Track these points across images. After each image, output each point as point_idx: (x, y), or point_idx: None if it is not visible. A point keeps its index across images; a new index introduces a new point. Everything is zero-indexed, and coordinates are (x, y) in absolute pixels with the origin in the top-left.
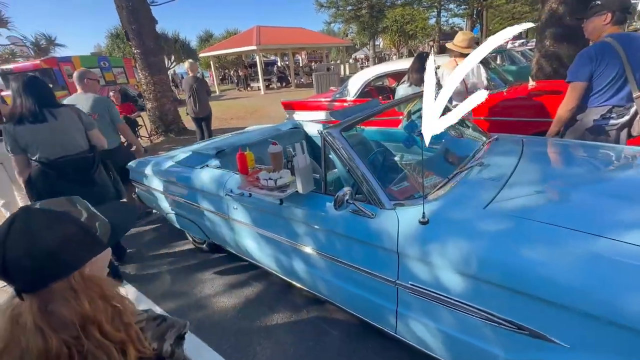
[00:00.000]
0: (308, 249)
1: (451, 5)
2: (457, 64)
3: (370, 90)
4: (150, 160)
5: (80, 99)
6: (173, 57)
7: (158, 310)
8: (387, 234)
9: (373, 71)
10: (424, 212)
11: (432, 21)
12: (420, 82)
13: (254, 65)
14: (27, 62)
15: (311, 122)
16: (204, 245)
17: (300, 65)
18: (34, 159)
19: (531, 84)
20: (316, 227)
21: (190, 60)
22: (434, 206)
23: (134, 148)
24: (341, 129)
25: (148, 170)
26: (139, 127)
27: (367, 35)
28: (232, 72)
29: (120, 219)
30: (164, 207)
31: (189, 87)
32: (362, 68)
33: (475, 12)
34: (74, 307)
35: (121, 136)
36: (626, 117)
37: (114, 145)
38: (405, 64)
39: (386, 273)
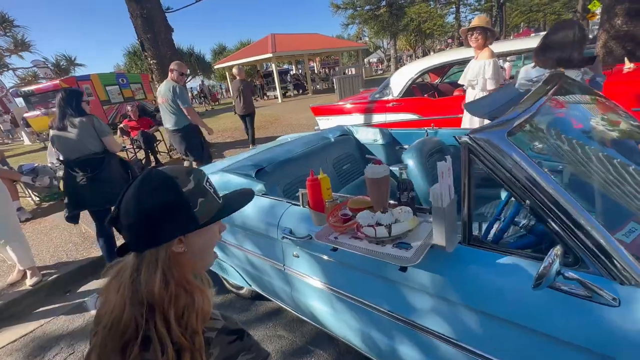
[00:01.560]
0: (441, 338)
1: (470, 0)
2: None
3: (413, 89)
4: None
5: (163, 84)
6: (188, 71)
7: None
8: None
9: (417, 67)
10: None
11: (450, 18)
12: (548, 63)
13: (269, 74)
14: (48, 82)
15: (363, 126)
16: (243, 292)
17: (315, 71)
18: (61, 159)
19: (628, 66)
20: (465, 306)
21: (239, 65)
22: None
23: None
24: (508, 133)
25: None
26: (157, 142)
27: (387, 34)
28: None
29: (229, 201)
30: None
31: (236, 88)
32: (377, 72)
33: (497, 5)
34: (147, 281)
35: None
36: None
37: (182, 125)
38: (448, 56)
39: None
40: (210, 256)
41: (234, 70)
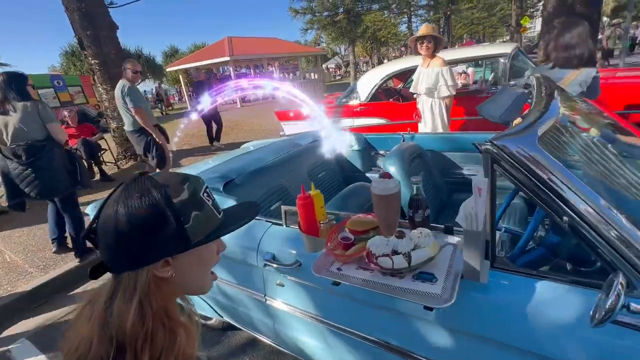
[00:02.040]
0: None
1: (421, 11)
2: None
3: (378, 93)
4: None
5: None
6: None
7: None
8: None
9: (383, 72)
10: None
11: (402, 27)
12: (573, 62)
13: (226, 78)
14: None
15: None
16: (212, 322)
17: (275, 76)
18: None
19: None
20: (500, 344)
21: (196, 67)
22: None
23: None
24: (538, 139)
25: None
26: (102, 152)
27: (346, 41)
28: None
29: (231, 215)
30: None
31: (196, 89)
32: (335, 77)
33: (444, 17)
34: (119, 313)
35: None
36: None
37: (139, 125)
38: (412, 62)
39: None
40: (206, 280)
41: (192, 72)
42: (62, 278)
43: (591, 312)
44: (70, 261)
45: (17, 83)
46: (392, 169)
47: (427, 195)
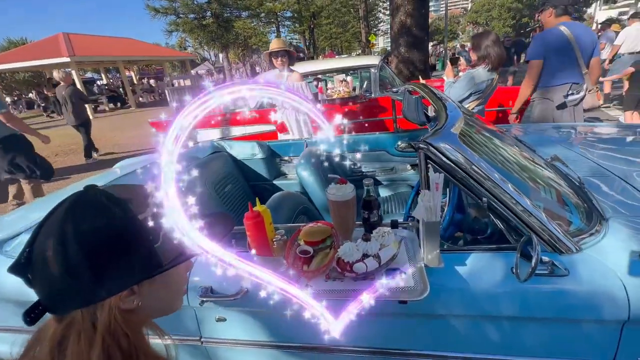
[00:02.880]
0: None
1: (288, 22)
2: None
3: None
4: None
5: None
6: None
7: None
8: (603, 293)
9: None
10: None
11: (272, 36)
12: (500, 64)
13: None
14: None
15: (236, 141)
16: None
17: (135, 82)
18: None
19: (422, 82)
20: (466, 317)
21: (62, 70)
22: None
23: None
24: (459, 134)
25: None
26: None
27: (218, 46)
28: (33, 94)
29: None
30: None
31: (61, 96)
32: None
33: (309, 30)
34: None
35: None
36: (582, 93)
37: (2, 134)
38: (307, 67)
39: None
40: (177, 301)
41: (56, 75)
42: None
43: (514, 271)
44: None
45: None
46: (305, 174)
47: None
